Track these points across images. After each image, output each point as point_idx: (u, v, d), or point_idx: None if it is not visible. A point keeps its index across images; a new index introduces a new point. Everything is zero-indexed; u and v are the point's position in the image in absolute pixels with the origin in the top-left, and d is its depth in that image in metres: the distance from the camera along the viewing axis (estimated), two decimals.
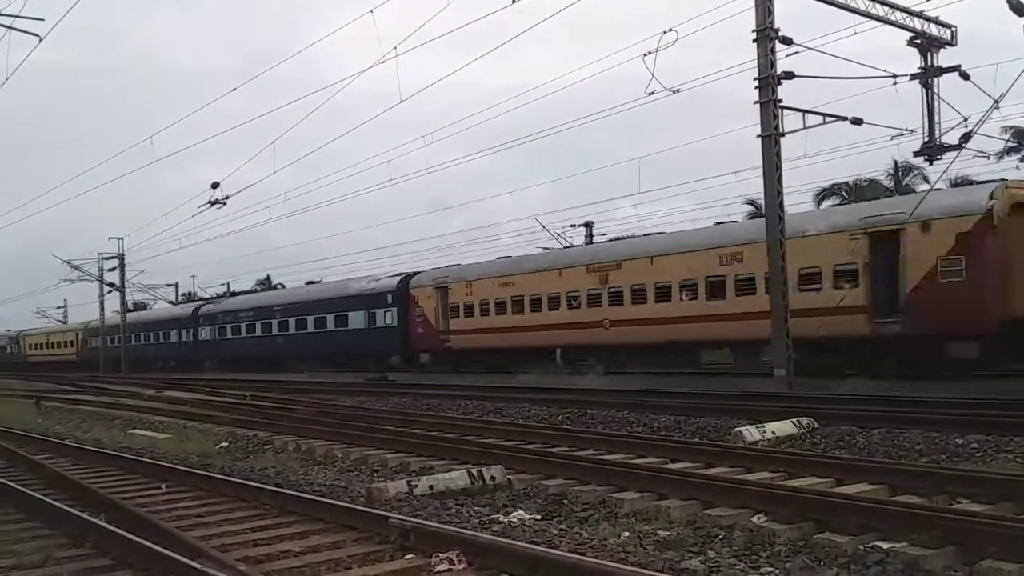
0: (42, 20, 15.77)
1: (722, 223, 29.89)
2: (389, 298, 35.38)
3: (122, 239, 55.38)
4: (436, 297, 32.73)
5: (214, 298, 57.63)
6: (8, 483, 8.94)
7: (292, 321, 41.81)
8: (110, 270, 56.36)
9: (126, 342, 55.48)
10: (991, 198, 18.41)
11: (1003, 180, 19.99)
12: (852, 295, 20.23)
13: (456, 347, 31.85)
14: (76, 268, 55.90)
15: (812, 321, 19.93)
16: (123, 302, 57.76)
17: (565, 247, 36.09)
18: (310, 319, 40.31)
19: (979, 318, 17.82)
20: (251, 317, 45.68)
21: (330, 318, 38.67)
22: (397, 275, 36.56)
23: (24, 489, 8.53)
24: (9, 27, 15.77)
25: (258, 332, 44.59)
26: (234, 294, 57.25)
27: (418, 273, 35.83)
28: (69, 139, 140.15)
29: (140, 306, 66.85)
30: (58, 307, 78.06)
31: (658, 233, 29.69)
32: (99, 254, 56.23)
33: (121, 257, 55.69)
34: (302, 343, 40.88)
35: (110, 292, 57.65)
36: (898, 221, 19.65)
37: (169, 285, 67.39)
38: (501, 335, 29.29)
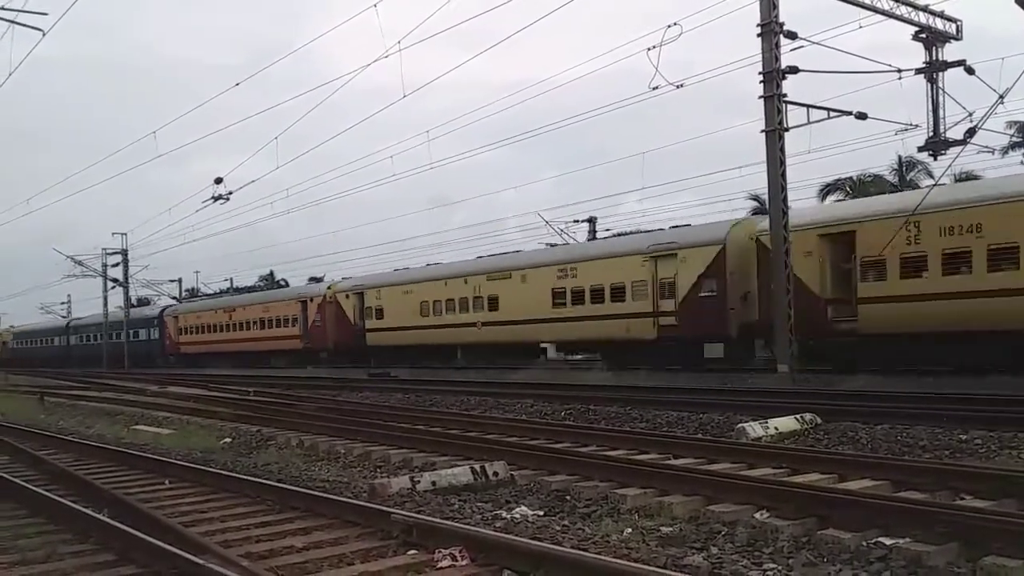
0: (45, 15, 15.80)
1: (566, 244, 36.16)
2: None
3: (125, 235, 55.67)
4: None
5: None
6: (11, 479, 8.97)
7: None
8: (114, 266, 56.61)
9: (33, 344, 70.03)
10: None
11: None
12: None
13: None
14: (80, 264, 56.16)
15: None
16: (126, 298, 58.00)
17: (563, 243, 36.54)
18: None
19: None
20: (92, 330, 60.56)
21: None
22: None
23: (27, 485, 8.54)
24: (12, 21, 15.80)
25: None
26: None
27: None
28: (73, 134, 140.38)
29: (144, 301, 67.07)
30: (62, 303, 78.43)
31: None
32: (103, 249, 56.51)
33: (124, 253, 55.88)
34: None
35: (114, 288, 57.88)
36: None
37: (172, 281, 67.69)
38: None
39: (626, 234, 35.11)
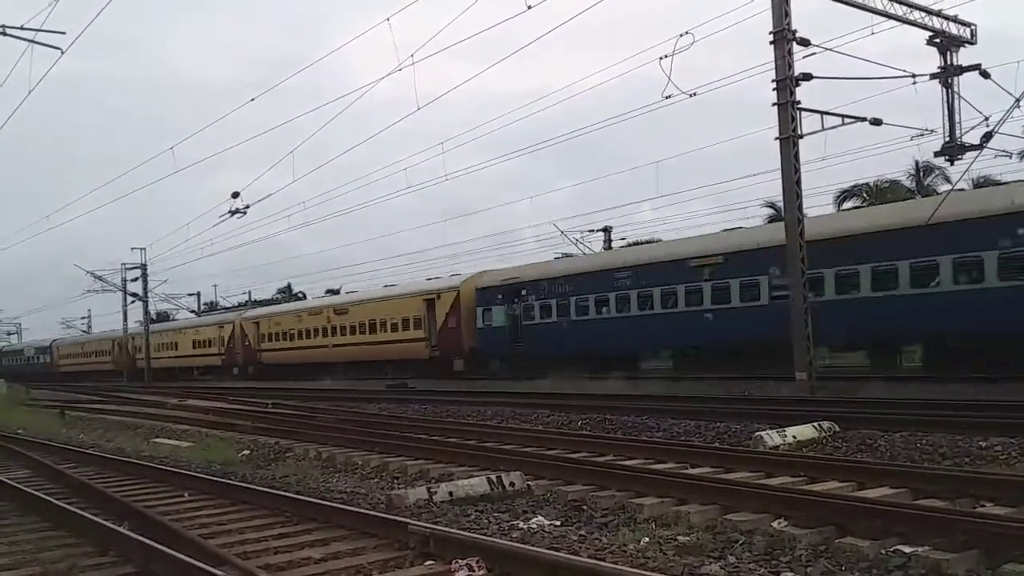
0: (63, 33, 15.96)
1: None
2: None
3: (144, 249, 56.16)
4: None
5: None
6: (33, 492, 9.06)
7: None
8: (133, 280, 57.07)
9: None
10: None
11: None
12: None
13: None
14: (100, 279, 56.64)
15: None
16: (146, 312, 58.42)
17: (580, 254, 36.87)
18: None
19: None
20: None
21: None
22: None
23: (49, 498, 8.63)
24: (32, 40, 15.98)
25: None
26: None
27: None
28: (91, 151, 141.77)
29: (163, 316, 67.56)
30: (82, 317, 79.17)
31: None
32: (122, 264, 57.03)
33: (143, 267, 56.30)
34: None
35: (133, 302, 58.37)
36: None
37: (191, 294, 68.18)
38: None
39: (643, 243, 38.55)
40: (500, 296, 32.47)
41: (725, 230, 28.84)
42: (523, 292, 31.63)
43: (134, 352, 59.52)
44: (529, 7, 16.83)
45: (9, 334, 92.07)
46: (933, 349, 21.53)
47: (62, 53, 16.11)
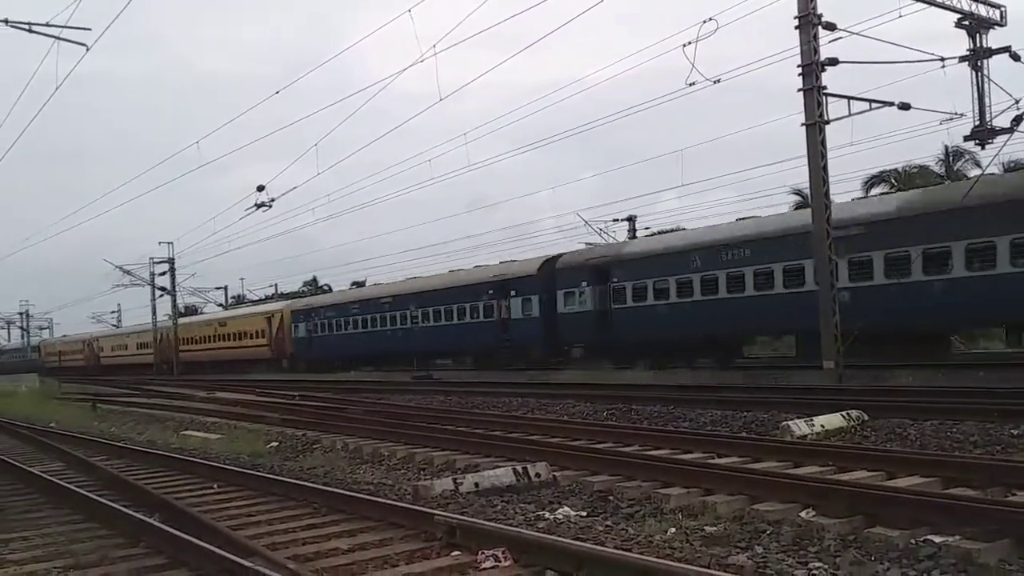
0: (89, 30, 16.09)
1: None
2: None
3: (172, 243, 56.73)
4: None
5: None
6: (65, 485, 9.20)
7: None
8: (161, 274, 57.68)
9: None
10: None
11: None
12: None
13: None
14: (128, 273, 57.32)
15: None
16: (174, 306, 59.00)
17: (603, 243, 36.57)
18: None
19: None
20: None
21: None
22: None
23: (81, 490, 8.76)
24: (58, 37, 16.13)
25: None
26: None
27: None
28: (119, 146, 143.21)
29: (191, 309, 68.23)
30: (112, 311, 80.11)
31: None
32: (150, 259, 57.63)
33: (171, 261, 56.91)
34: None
35: (161, 296, 59.02)
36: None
37: (218, 288, 68.76)
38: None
39: (667, 231, 36.95)
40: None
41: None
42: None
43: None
44: None
45: (41, 329, 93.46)
46: None
47: (87, 49, 16.27)
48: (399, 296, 39.19)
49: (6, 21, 15.87)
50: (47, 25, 15.89)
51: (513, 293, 32.40)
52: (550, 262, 31.70)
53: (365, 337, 40.83)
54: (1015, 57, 19.59)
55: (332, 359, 42.88)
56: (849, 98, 19.71)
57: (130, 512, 7.41)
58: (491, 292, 33.31)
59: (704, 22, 18.60)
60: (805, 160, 19.54)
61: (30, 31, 15.99)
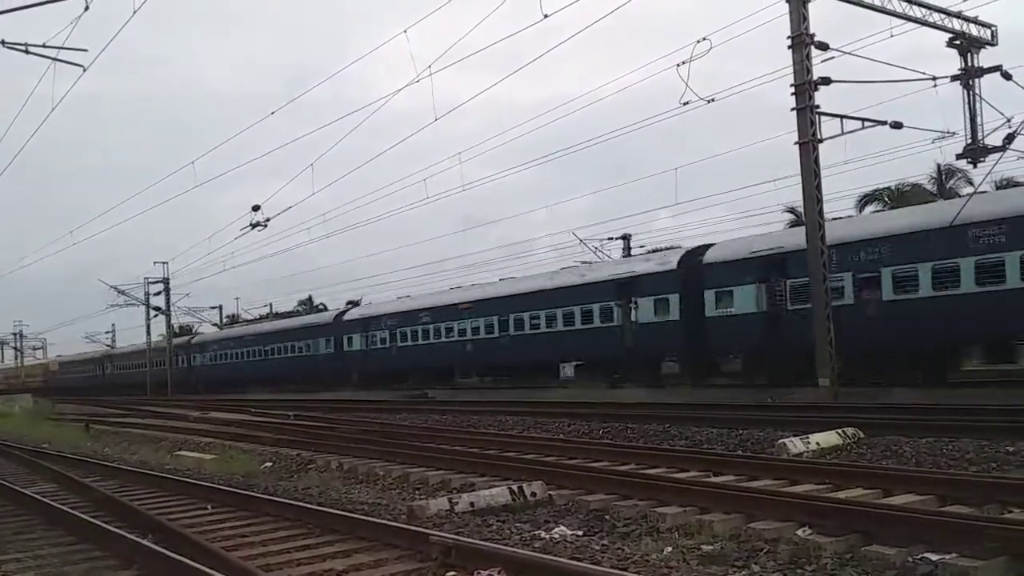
0: (85, 51, 16.10)
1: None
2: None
3: (167, 263, 56.66)
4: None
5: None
6: (58, 506, 9.13)
7: None
8: (156, 294, 57.58)
9: None
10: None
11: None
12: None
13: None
14: (122, 293, 57.21)
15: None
16: (168, 326, 58.95)
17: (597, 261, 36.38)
18: None
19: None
20: None
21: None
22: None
23: (74, 511, 8.69)
24: (54, 58, 16.14)
25: None
26: None
27: None
28: (114, 166, 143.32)
29: (186, 329, 68.09)
30: (106, 332, 79.92)
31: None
32: (145, 278, 57.59)
33: (166, 281, 56.80)
34: None
35: (156, 316, 58.87)
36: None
37: (213, 308, 68.66)
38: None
39: (660, 250, 36.63)
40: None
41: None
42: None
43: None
44: (545, 16, 16.88)
45: (35, 349, 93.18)
46: None
47: (84, 70, 16.29)
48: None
49: (2, 42, 15.90)
50: (44, 46, 15.91)
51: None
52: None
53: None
54: (1006, 76, 19.78)
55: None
56: (842, 117, 19.88)
57: (123, 533, 7.35)
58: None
59: (698, 42, 18.78)
60: (799, 178, 19.66)
61: (27, 52, 16.00)
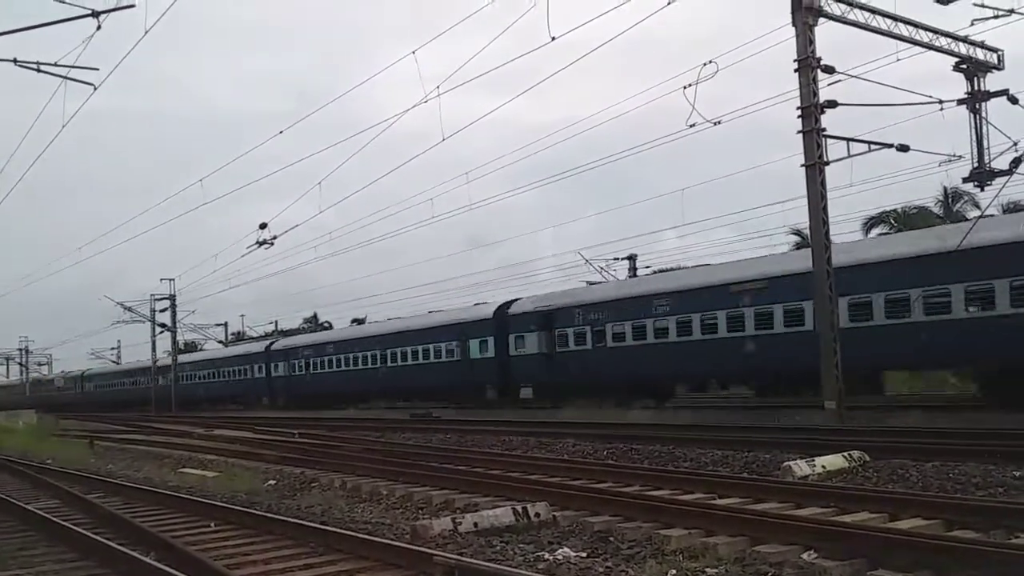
0: (96, 69, 16.22)
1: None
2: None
3: (173, 280, 56.80)
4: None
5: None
6: (61, 523, 9.12)
7: None
8: (162, 311, 57.67)
9: None
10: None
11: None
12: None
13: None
14: (129, 310, 57.29)
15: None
16: (174, 342, 59.00)
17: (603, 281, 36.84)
18: None
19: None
20: None
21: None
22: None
23: (77, 528, 8.69)
24: (66, 77, 16.26)
25: None
26: None
27: None
28: (123, 183, 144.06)
29: (191, 346, 68.19)
30: (112, 348, 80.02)
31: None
32: (151, 295, 57.66)
33: (172, 298, 56.93)
34: None
35: (162, 332, 58.98)
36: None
37: (219, 325, 68.75)
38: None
39: (668, 270, 38.37)
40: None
41: None
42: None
43: None
44: (553, 38, 16.98)
45: (40, 365, 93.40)
46: None
47: (95, 89, 16.41)
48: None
49: (15, 60, 16.01)
50: (55, 65, 16.03)
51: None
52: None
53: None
54: (1013, 100, 19.82)
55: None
56: (848, 140, 19.88)
57: (126, 550, 7.35)
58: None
59: (704, 64, 18.85)
60: (805, 200, 19.65)
61: (38, 71, 16.11)
